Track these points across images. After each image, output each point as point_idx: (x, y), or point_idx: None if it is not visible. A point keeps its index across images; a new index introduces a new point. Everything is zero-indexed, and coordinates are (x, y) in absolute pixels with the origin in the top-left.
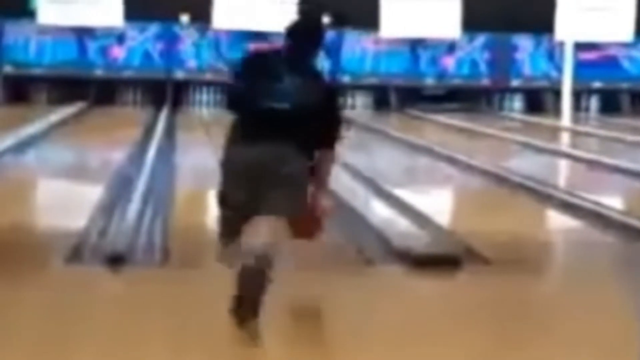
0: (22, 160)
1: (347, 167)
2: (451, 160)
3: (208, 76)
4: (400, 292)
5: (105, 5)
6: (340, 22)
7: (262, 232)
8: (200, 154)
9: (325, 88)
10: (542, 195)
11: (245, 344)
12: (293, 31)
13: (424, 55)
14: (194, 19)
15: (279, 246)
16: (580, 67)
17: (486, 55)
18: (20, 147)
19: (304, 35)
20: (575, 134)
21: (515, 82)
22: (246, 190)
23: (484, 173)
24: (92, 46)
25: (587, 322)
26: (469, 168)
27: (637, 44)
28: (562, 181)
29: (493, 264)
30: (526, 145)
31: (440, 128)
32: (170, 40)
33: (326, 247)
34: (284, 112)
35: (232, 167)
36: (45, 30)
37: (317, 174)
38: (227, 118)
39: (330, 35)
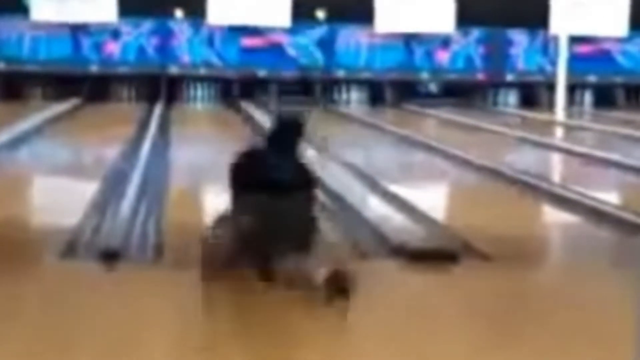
0: (16, 157)
1: (341, 162)
2: (446, 155)
3: (202, 71)
4: (396, 287)
5: (99, 1)
6: None
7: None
8: (194, 150)
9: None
10: (537, 189)
11: (241, 336)
12: (277, 130)
13: (419, 50)
14: (188, 14)
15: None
16: (574, 61)
17: (481, 49)
18: (15, 143)
19: (287, 131)
20: (570, 128)
21: (509, 77)
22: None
23: (479, 168)
24: (86, 42)
25: (583, 316)
26: (464, 163)
27: (632, 39)
28: (557, 175)
29: (489, 258)
30: (521, 140)
31: (435, 122)
32: (165, 35)
33: (321, 242)
34: (282, 180)
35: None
36: (39, 26)
37: None
38: (221, 114)
39: (324, 29)
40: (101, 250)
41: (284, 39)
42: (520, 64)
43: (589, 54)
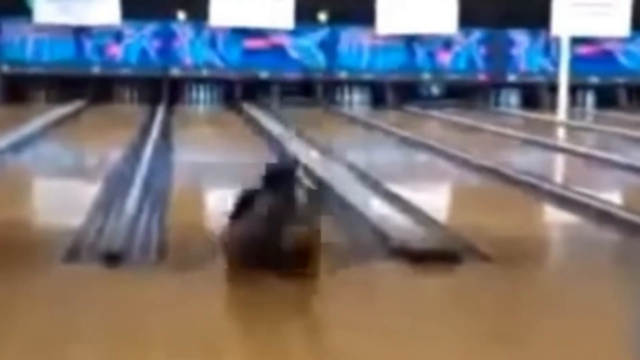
0: (19, 159)
1: (343, 162)
2: (448, 156)
3: (205, 73)
4: (397, 288)
5: (102, 4)
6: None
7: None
8: (196, 151)
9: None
10: (539, 190)
11: (246, 341)
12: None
13: (420, 51)
14: (190, 16)
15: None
16: (576, 62)
17: (482, 50)
18: (18, 146)
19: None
20: (572, 128)
21: (511, 77)
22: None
23: (481, 168)
24: (89, 44)
25: (586, 317)
26: (465, 163)
27: (634, 39)
28: (559, 176)
29: (492, 259)
30: (523, 141)
31: (436, 123)
32: (168, 37)
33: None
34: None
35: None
36: (42, 28)
37: None
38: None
39: (326, 31)
40: (104, 252)
41: (286, 41)
42: (522, 65)
43: (591, 54)
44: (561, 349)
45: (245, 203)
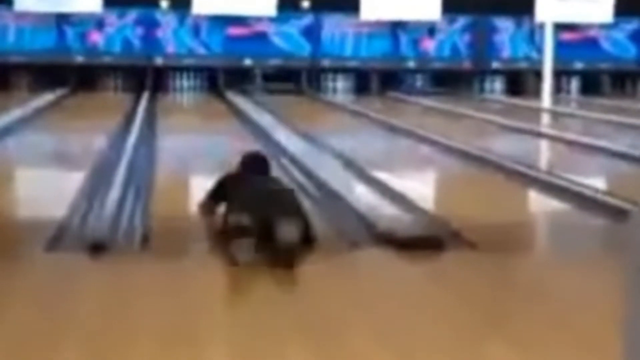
0: (2, 148)
1: (328, 150)
2: (433, 143)
3: (188, 61)
4: (383, 275)
5: None
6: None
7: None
8: (180, 140)
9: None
10: (524, 177)
11: (233, 328)
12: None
13: (404, 38)
14: (173, 4)
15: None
16: (560, 48)
17: (467, 37)
18: (0, 135)
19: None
20: (557, 115)
21: (495, 64)
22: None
23: (466, 155)
24: (71, 32)
25: (571, 304)
26: (450, 151)
27: (617, 25)
28: (544, 163)
29: (478, 246)
30: (508, 127)
31: (421, 110)
32: (150, 26)
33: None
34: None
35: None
36: (23, 16)
37: None
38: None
39: (310, 18)
40: (88, 241)
41: (270, 28)
42: (506, 52)
43: (575, 41)
44: (546, 333)
45: (222, 185)
